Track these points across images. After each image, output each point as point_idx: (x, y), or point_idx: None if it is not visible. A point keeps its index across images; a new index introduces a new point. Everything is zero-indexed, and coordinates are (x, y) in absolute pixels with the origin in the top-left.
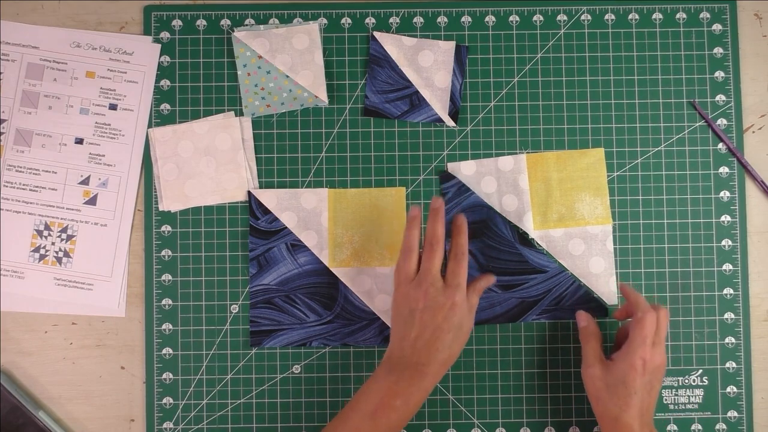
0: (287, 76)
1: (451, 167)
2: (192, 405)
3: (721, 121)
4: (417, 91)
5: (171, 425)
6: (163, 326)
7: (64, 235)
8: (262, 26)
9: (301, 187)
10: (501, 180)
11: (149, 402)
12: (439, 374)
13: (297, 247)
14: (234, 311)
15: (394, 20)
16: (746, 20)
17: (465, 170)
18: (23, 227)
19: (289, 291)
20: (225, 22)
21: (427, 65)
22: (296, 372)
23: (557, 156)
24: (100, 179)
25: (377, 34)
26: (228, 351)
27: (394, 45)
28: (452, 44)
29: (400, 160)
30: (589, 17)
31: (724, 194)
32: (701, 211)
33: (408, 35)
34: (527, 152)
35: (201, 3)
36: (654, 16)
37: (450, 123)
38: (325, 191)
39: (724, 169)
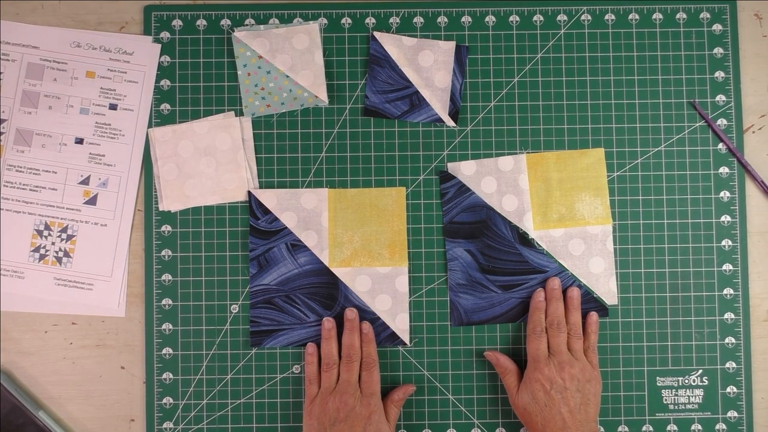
0: (287, 76)
1: (451, 167)
2: (192, 405)
3: (721, 121)
4: (417, 91)
5: (171, 425)
6: (163, 326)
7: (64, 235)
8: (262, 26)
9: (301, 187)
10: (501, 180)
11: (149, 402)
12: None
13: (297, 247)
14: (234, 311)
15: (394, 20)
16: (746, 20)
17: (465, 170)
18: (23, 227)
19: (289, 291)
20: (225, 22)
21: (427, 65)
22: (296, 372)
23: (557, 156)
24: (100, 179)
25: (377, 34)
26: (228, 351)
27: (394, 45)
28: (452, 44)
29: (400, 160)
30: (589, 17)
31: (724, 194)
32: (701, 211)
33: (408, 35)
34: (527, 152)
35: (201, 3)
36: (654, 16)
37: (450, 123)
38: (325, 191)
39: (724, 169)
